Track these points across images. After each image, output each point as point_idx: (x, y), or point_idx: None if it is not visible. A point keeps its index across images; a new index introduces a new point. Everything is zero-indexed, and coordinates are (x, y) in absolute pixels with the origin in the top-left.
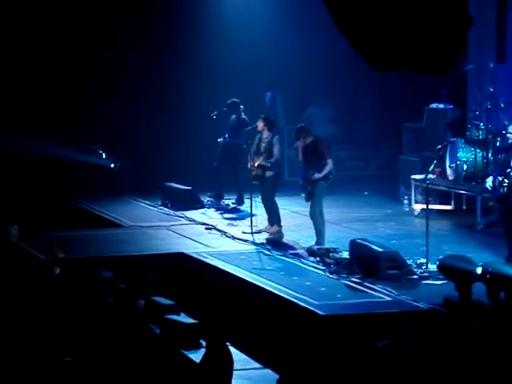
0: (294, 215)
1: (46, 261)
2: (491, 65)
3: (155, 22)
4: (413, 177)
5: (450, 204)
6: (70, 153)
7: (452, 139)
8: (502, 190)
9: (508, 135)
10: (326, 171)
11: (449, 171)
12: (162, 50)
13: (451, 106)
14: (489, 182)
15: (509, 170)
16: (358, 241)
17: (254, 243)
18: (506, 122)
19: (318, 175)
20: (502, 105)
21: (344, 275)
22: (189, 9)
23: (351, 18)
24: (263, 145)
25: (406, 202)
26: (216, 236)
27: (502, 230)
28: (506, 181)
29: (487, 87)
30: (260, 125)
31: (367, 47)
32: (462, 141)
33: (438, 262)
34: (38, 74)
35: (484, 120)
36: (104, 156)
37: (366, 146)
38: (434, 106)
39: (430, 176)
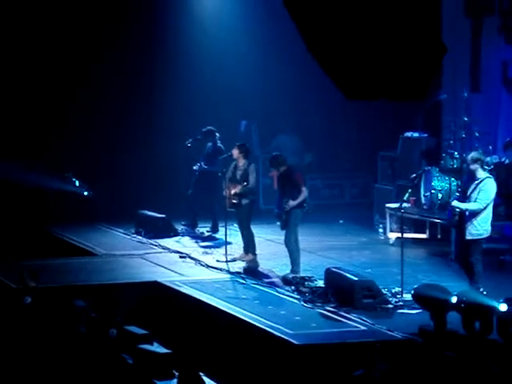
0: (269, 243)
1: (17, 290)
2: (465, 94)
3: (131, 50)
4: (387, 205)
5: (424, 233)
6: (42, 180)
7: (427, 168)
8: (455, 217)
9: (468, 166)
10: (300, 199)
11: (423, 200)
12: (137, 78)
13: (426, 135)
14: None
15: (461, 199)
16: (333, 269)
17: (228, 272)
18: (480, 151)
19: (292, 203)
20: (477, 134)
21: (319, 304)
22: (165, 38)
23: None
24: (239, 172)
25: (380, 230)
26: (190, 264)
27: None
28: (456, 209)
29: (462, 116)
30: (235, 152)
31: (341, 76)
32: (437, 169)
33: (412, 291)
34: (10, 102)
35: (458, 149)
36: (77, 183)
37: (340, 174)
38: (408, 134)
39: (405, 205)
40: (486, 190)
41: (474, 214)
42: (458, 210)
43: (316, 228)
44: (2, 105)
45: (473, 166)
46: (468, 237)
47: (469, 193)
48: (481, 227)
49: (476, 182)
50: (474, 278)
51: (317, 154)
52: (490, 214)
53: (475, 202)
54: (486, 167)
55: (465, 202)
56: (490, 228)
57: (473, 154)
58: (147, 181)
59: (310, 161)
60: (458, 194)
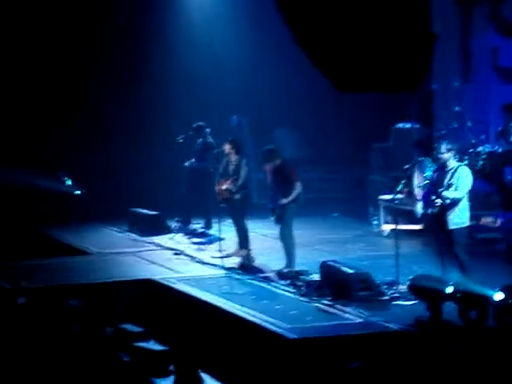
0: (264, 238)
1: (11, 290)
2: (456, 84)
3: (122, 47)
4: (381, 197)
5: (418, 224)
6: (34, 180)
7: (419, 159)
8: (432, 210)
9: (439, 155)
10: (293, 195)
11: (417, 191)
12: (128, 75)
13: (418, 126)
14: (418, 207)
15: (441, 189)
16: (329, 262)
17: (223, 267)
18: (473, 141)
19: (284, 201)
20: (469, 123)
21: (315, 298)
22: (154, 35)
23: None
24: (231, 167)
25: (375, 222)
26: (185, 261)
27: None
28: (437, 200)
29: (453, 106)
30: (227, 148)
31: (332, 69)
32: (430, 160)
33: (408, 282)
34: (1, 102)
35: (451, 139)
36: (69, 182)
37: (334, 167)
38: (400, 125)
39: (399, 196)
40: (464, 177)
41: (456, 203)
42: (439, 202)
43: (310, 222)
44: None
45: (447, 156)
46: (452, 226)
47: (445, 182)
48: (463, 215)
49: (450, 170)
50: (463, 267)
51: (310, 147)
52: (468, 203)
53: (456, 190)
54: (457, 156)
55: (439, 192)
56: (469, 216)
57: (445, 144)
58: (140, 178)
59: (308, 154)
60: (423, 185)
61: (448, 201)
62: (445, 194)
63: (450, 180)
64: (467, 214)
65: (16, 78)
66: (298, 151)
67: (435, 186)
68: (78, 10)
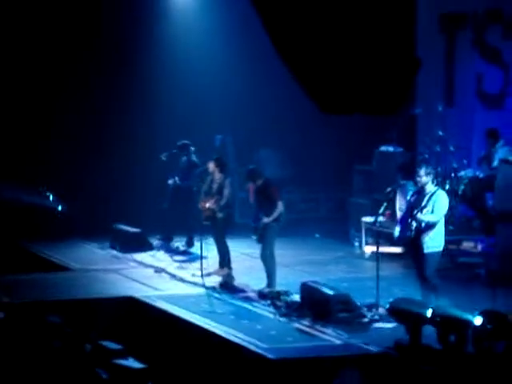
0: (245, 257)
1: None
2: (440, 108)
3: (106, 62)
4: (363, 219)
5: (400, 246)
6: (16, 194)
7: (402, 182)
8: (409, 233)
9: (417, 179)
10: (275, 214)
11: (399, 214)
12: (111, 91)
13: (401, 149)
14: (396, 230)
15: (415, 211)
16: (309, 283)
17: (204, 286)
18: (455, 165)
19: (266, 220)
20: (452, 148)
21: (295, 318)
22: (141, 52)
23: (301, 61)
24: (215, 186)
25: (356, 244)
26: (165, 279)
27: (451, 273)
28: (413, 223)
29: (436, 130)
30: (211, 166)
31: (317, 90)
32: (412, 183)
33: (388, 305)
34: None
35: (433, 163)
36: (51, 198)
37: (316, 188)
38: (383, 148)
39: (380, 219)
40: (441, 201)
41: (431, 226)
42: (414, 225)
43: (292, 242)
44: None
45: (425, 179)
46: (426, 250)
47: (422, 205)
48: (437, 240)
49: (428, 194)
50: (434, 292)
51: (293, 167)
52: (443, 227)
53: (431, 213)
54: (435, 180)
55: (414, 215)
56: (444, 241)
57: (424, 167)
58: (122, 195)
59: (291, 174)
60: (400, 209)
61: (423, 224)
62: (419, 216)
63: (426, 204)
64: (442, 238)
65: (1, 90)
66: (282, 171)
67: (412, 210)
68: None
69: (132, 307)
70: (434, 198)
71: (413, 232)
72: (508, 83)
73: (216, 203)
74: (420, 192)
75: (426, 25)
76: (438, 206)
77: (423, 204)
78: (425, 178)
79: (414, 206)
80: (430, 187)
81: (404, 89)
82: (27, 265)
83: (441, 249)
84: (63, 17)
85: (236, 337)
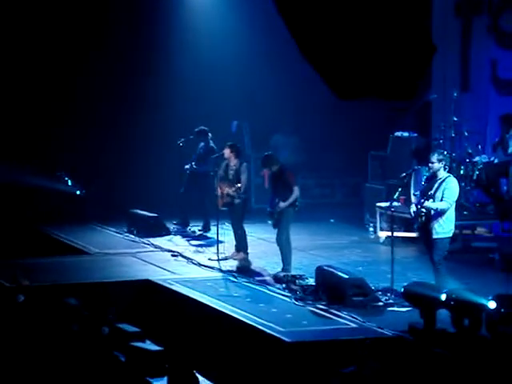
0: (261, 242)
1: (10, 288)
2: (455, 94)
3: (124, 48)
4: (378, 204)
5: (414, 231)
6: (35, 179)
7: (416, 167)
8: (420, 219)
9: (430, 164)
10: (291, 199)
11: (413, 199)
12: (130, 76)
13: (416, 135)
14: (412, 208)
15: (422, 200)
16: (324, 267)
17: (220, 270)
18: (470, 150)
19: (283, 204)
20: (466, 133)
21: (310, 302)
22: (156, 40)
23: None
24: (231, 172)
25: (371, 229)
26: (182, 263)
27: (465, 257)
28: (422, 210)
29: (451, 116)
30: (226, 152)
31: (333, 76)
32: (427, 169)
33: (402, 289)
34: (2, 102)
35: (448, 148)
36: (69, 183)
37: (332, 173)
38: (398, 134)
39: (395, 204)
40: (451, 188)
41: (441, 213)
42: (424, 210)
43: (307, 227)
44: None
45: (437, 166)
46: (435, 236)
47: (432, 192)
48: (447, 226)
49: (438, 181)
50: (440, 276)
51: (308, 153)
52: (454, 213)
53: (442, 201)
54: (447, 167)
55: (421, 203)
56: (454, 227)
57: (437, 154)
58: (139, 180)
59: (304, 160)
60: (415, 195)
61: (432, 211)
62: (427, 204)
63: (436, 190)
64: (452, 224)
65: (17, 77)
66: (297, 156)
67: (423, 195)
68: (78, 14)
69: (149, 290)
70: (444, 184)
71: (423, 217)
72: None
73: (235, 190)
74: (432, 178)
75: (442, 10)
76: (448, 192)
77: (433, 191)
78: (437, 164)
79: (426, 191)
80: (442, 173)
81: (419, 74)
82: (46, 249)
83: (450, 234)
84: (87, 7)
85: (252, 320)
